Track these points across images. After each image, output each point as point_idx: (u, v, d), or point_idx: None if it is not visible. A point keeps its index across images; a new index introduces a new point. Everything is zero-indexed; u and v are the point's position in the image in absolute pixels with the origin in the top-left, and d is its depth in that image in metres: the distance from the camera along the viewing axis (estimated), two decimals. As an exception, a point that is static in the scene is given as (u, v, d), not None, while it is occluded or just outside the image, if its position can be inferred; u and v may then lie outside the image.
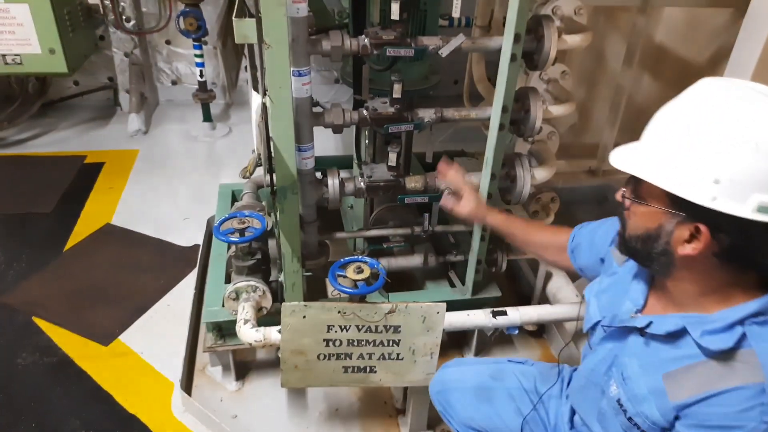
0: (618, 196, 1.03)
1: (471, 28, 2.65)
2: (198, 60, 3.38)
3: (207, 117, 3.61)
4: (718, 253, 0.89)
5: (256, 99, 1.69)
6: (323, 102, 1.71)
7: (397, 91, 1.62)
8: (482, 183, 1.79)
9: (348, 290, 1.54)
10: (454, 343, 2.20)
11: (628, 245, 1.03)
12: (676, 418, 0.95)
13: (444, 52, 1.56)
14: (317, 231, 1.84)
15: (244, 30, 1.48)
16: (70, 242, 2.64)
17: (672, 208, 0.90)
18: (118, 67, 3.65)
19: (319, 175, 1.77)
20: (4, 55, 2.99)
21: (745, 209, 0.83)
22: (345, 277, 1.56)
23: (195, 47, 3.33)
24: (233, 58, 3.10)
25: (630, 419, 1.02)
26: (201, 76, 3.42)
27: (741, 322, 0.90)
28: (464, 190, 1.60)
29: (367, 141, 1.98)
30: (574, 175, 2.59)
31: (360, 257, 1.60)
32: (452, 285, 2.11)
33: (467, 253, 1.98)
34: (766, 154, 0.81)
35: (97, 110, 3.80)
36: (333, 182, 1.72)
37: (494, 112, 1.67)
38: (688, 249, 0.90)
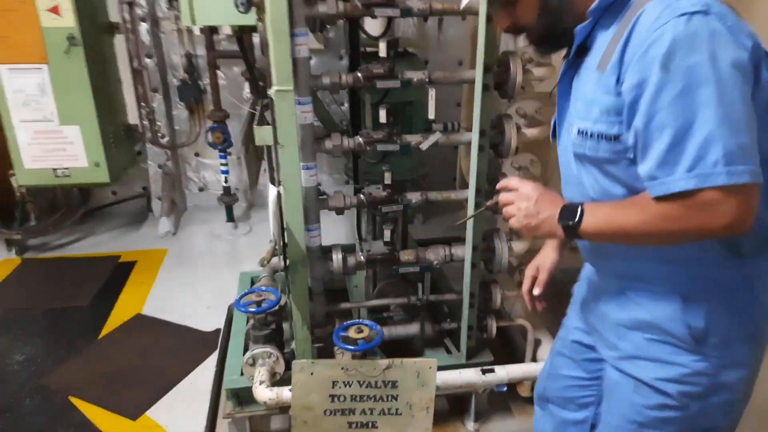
0: (501, 27, 1.17)
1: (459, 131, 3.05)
2: (223, 168, 3.83)
3: (230, 217, 3.99)
4: None
5: (272, 191, 2.03)
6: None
7: (387, 178, 1.95)
8: (466, 255, 2.07)
9: (350, 347, 1.77)
10: (455, 410, 2.35)
11: (544, 32, 1.12)
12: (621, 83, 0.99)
13: (424, 146, 1.92)
14: (324, 302, 2.10)
15: (263, 134, 1.85)
16: (105, 331, 2.90)
17: None
18: (152, 177, 4.11)
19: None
20: (55, 169, 3.45)
21: None
22: (348, 336, 1.80)
23: (221, 157, 3.80)
24: (254, 163, 3.52)
25: (593, 135, 1.06)
26: (225, 182, 3.86)
27: None
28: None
29: (366, 222, 2.29)
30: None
31: (360, 320, 1.86)
32: (448, 351, 2.31)
33: (461, 321, 2.21)
34: None
35: (131, 216, 4.22)
36: (337, 257, 2.01)
37: (470, 193, 1.99)
38: None
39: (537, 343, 2.37)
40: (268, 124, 1.94)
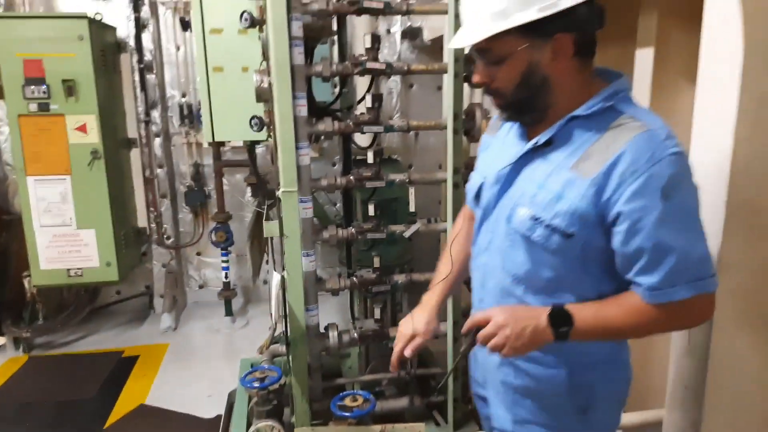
0: (476, 80, 1.20)
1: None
2: (224, 264, 4.13)
3: (229, 312, 4.22)
4: (576, 51, 1.11)
5: (276, 276, 2.32)
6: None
7: (376, 262, 2.26)
8: (448, 330, 2.33)
9: (346, 414, 1.98)
10: (446, 483, 2.48)
11: (515, 102, 1.18)
12: (601, 198, 1.09)
13: (406, 234, 2.25)
14: (321, 378, 2.31)
15: (271, 228, 2.18)
16: (110, 420, 3.03)
17: (529, 39, 1.08)
18: (156, 276, 4.38)
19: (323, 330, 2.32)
20: (68, 269, 3.72)
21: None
22: (344, 405, 2.02)
23: (223, 255, 4.11)
24: (258, 256, 3.83)
25: (548, 226, 1.14)
26: (226, 277, 4.14)
27: (606, 100, 1.13)
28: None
29: (358, 302, 2.56)
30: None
31: (355, 391, 2.08)
32: (437, 424, 2.49)
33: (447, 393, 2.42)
34: None
35: (134, 313, 4.43)
36: (333, 334, 2.26)
37: (448, 225, 2.29)
38: (558, 62, 1.11)
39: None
40: (275, 219, 2.27)
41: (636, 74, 2.17)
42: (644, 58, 2.11)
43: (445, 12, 2.07)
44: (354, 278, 2.27)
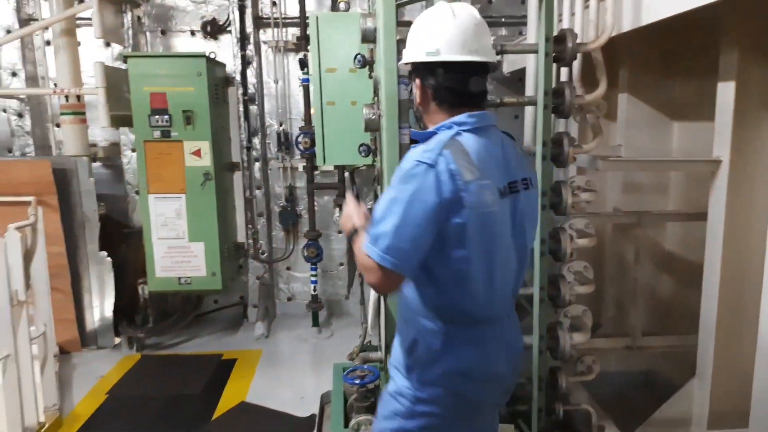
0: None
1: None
2: (313, 278, 4.47)
3: (315, 323, 4.54)
4: (432, 96, 1.55)
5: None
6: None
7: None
8: (534, 342, 2.50)
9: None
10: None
11: (416, 117, 1.67)
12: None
13: (496, 251, 2.45)
14: (415, 380, 2.53)
15: (374, 241, 2.45)
16: (216, 414, 3.38)
17: (412, 77, 1.59)
18: (250, 287, 4.78)
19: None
20: (179, 278, 4.16)
21: (420, 55, 1.52)
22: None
23: (312, 269, 4.45)
24: (353, 270, 4.12)
25: None
26: (314, 290, 4.47)
27: (443, 127, 1.52)
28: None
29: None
30: (613, 350, 3.19)
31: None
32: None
33: (531, 403, 2.57)
34: (423, 27, 1.54)
35: (229, 321, 4.84)
36: (427, 341, 2.48)
37: (535, 290, 2.47)
38: (420, 98, 1.58)
39: (600, 429, 2.67)
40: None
41: (718, 107, 2.30)
42: (726, 92, 2.25)
43: (535, 51, 2.30)
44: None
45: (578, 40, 2.37)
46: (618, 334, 3.33)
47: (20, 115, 4.62)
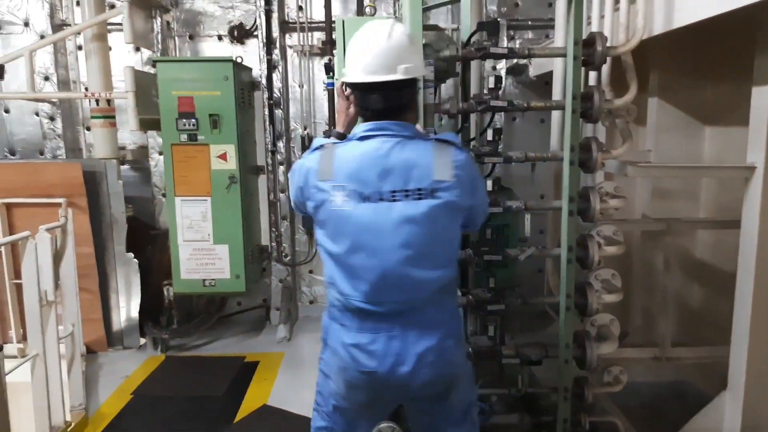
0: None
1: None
2: (335, 282, 4.46)
3: (337, 327, 4.53)
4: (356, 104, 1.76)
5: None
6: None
7: (491, 283, 2.44)
8: (560, 352, 2.46)
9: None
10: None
11: None
12: None
13: (521, 257, 2.42)
14: (437, 387, 2.51)
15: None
16: (238, 416, 3.39)
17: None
18: (273, 290, 4.80)
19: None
20: (204, 280, 4.20)
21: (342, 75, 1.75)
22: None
23: (334, 273, 4.44)
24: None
25: None
26: (336, 294, 4.46)
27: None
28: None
29: (471, 320, 2.74)
30: (641, 360, 3.12)
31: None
32: (544, 443, 2.59)
33: (556, 415, 2.52)
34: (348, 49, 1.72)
35: (252, 323, 4.87)
36: (450, 347, 2.45)
37: (561, 298, 2.43)
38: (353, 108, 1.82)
39: (628, 441, 2.60)
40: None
41: (753, 111, 2.24)
42: (761, 96, 2.18)
43: (564, 55, 2.26)
44: (470, 296, 2.47)
45: (608, 44, 2.32)
46: (646, 344, 3.25)
47: (52, 118, 4.73)
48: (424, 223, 1.62)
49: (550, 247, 3.46)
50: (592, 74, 2.77)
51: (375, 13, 3.65)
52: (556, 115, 3.18)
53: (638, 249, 3.48)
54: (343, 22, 2.91)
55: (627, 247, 2.68)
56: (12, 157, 4.85)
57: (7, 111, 4.83)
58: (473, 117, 3.32)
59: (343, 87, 1.82)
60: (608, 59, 2.44)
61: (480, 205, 1.79)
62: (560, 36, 3.03)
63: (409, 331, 1.67)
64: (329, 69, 4.12)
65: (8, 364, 2.56)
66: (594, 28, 2.75)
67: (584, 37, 2.28)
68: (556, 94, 3.19)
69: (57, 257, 3.14)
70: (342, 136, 1.81)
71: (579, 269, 2.52)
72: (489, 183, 2.40)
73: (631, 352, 3.10)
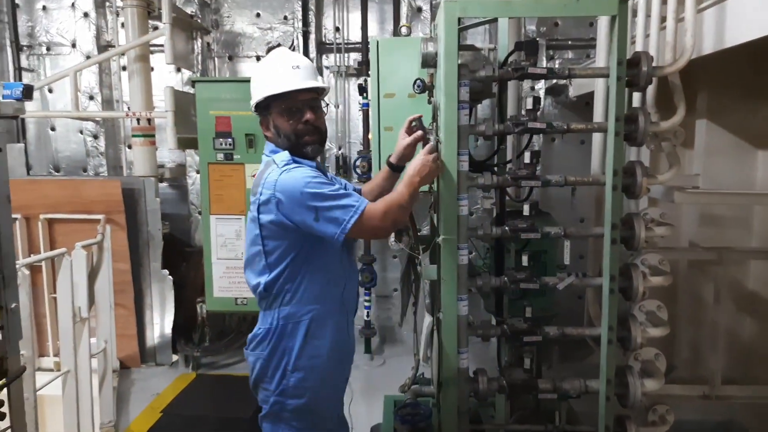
0: (309, 118, 1.98)
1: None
2: (366, 304, 4.40)
3: (367, 349, 4.45)
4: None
5: (427, 318, 2.49)
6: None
7: (528, 312, 2.33)
8: (600, 388, 2.31)
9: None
10: None
11: (323, 139, 2.09)
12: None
13: (560, 286, 2.30)
14: (468, 421, 2.39)
15: (430, 272, 2.36)
16: (265, 439, 3.33)
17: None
18: (304, 310, 4.76)
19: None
20: (236, 298, 4.20)
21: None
22: None
23: (365, 294, 4.38)
24: (406, 297, 4.04)
25: None
26: (367, 316, 4.39)
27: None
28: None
29: (505, 351, 2.62)
30: (689, 398, 2.92)
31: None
32: (583, 484, 2.43)
33: (594, 453, 2.37)
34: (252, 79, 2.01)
35: (283, 343, 4.83)
36: (483, 379, 2.34)
37: (603, 330, 2.29)
38: None
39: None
40: (432, 263, 2.45)
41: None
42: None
43: (606, 75, 2.16)
44: (505, 326, 2.36)
45: (653, 63, 2.21)
46: (694, 381, 3.05)
47: (95, 137, 4.87)
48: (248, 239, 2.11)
49: (591, 275, 3.32)
50: (636, 95, 2.65)
51: (410, 34, 3.63)
52: (597, 137, 3.06)
53: (685, 279, 3.30)
54: (378, 42, 2.89)
55: (673, 276, 2.52)
56: (56, 173, 5.01)
57: (53, 129, 5.01)
58: (510, 139, 3.24)
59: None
60: (654, 80, 2.33)
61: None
62: (602, 55, 2.93)
63: None
64: (363, 90, 4.10)
65: (40, 379, 2.59)
66: (638, 48, 2.64)
67: (628, 56, 2.18)
68: (598, 116, 3.07)
69: (93, 273, 3.19)
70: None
71: (622, 300, 2.38)
72: (526, 207, 2.29)
73: (678, 389, 2.91)
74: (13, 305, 1.34)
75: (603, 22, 2.94)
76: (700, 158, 3.12)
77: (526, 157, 2.28)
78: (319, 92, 2.05)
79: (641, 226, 2.25)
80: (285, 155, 1.94)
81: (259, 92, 1.98)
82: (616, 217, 2.20)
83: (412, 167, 1.99)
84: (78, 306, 2.86)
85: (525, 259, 2.33)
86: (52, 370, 3.72)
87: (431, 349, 2.57)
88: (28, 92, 1.35)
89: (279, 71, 1.95)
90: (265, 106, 1.98)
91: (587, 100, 4.13)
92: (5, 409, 1.34)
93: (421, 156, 2.00)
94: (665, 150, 2.43)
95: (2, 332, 1.33)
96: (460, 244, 2.25)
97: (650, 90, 2.46)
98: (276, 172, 1.86)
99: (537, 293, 2.39)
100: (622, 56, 2.07)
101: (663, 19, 2.44)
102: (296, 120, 1.96)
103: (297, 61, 1.97)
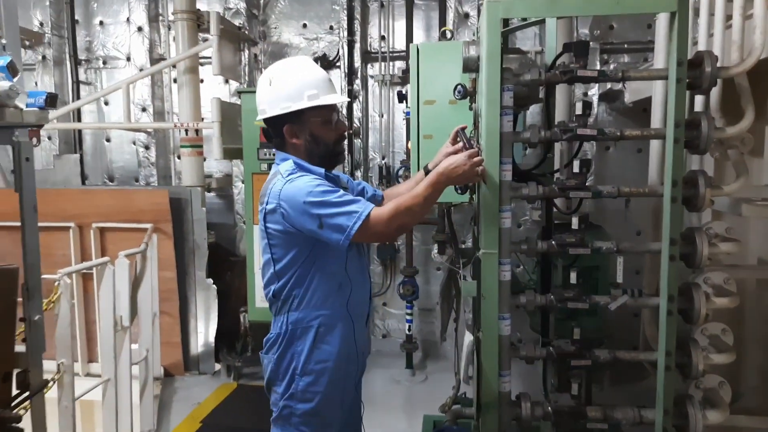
0: (345, 130, 2.03)
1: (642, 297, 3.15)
2: (408, 317, 4.28)
3: (409, 364, 4.33)
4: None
5: (468, 336, 2.36)
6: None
7: (576, 334, 2.16)
8: (656, 419, 2.11)
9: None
10: None
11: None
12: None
13: (612, 306, 2.12)
14: (511, 448, 2.24)
15: (469, 288, 2.23)
16: (302, 454, 3.26)
17: None
18: (346, 322, 4.69)
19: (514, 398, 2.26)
20: (277, 309, 4.17)
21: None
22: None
23: (407, 307, 4.27)
24: (446, 313, 3.91)
25: None
26: (409, 330, 4.28)
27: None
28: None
29: (551, 375, 2.45)
30: (757, 430, 2.64)
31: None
32: None
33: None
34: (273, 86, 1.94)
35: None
36: (526, 404, 2.19)
37: (660, 355, 2.09)
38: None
39: None
40: (473, 278, 2.32)
41: None
42: None
43: (665, 77, 1.99)
44: (551, 348, 2.20)
45: (718, 64, 2.02)
46: (763, 411, 2.77)
47: (147, 147, 5.00)
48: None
49: (648, 292, 3.09)
50: (699, 99, 2.44)
51: (452, 37, 3.52)
52: (655, 144, 2.85)
53: (753, 299, 3.01)
54: (418, 48, 2.79)
55: (740, 297, 2.29)
56: (110, 183, 5.17)
57: (108, 140, 5.18)
58: (559, 147, 3.06)
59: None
60: (718, 82, 2.13)
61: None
62: (661, 57, 2.73)
63: None
64: (403, 97, 4.01)
65: (80, 386, 2.61)
66: (701, 48, 2.44)
67: (689, 57, 1.99)
68: (656, 122, 2.87)
69: (136, 282, 3.22)
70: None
71: (682, 322, 2.17)
72: (575, 220, 2.13)
73: (745, 420, 2.64)
74: (37, 317, 1.32)
75: (662, 22, 2.74)
76: (771, 167, 2.85)
77: (575, 166, 2.12)
78: None
79: (704, 241, 2.04)
80: (289, 164, 1.94)
81: (295, 100, 1.92)
82: (676, 231, 2.01)
83: (443, 164, 1.90)
84: (120, 315, 2.89)
85: (573, 276, 2.16)
86: (99, 376, 3.79)
87: (473, 367, 2.43)
88: (51, 101, 1.34)
89: (318, 82, 1.96)
90: (296, 114, 1.93)
91: (644, 106, 3.89)
92: (27, 422, 1.32)
93: (460, 155, 1.90)
94: (731, 158, 2.22)
95: (25, 345, 1.30)
96: (503, 258, 2.11)
97: (714, 93, 2.25)
98: (281, 182, 1.89)
99: (587, 313, 2.22)
100: (683, 56, 1.89)
101: (729, 18, 2.24)
102: (336, 130, 2.02)
103: (325, 73, 2.03)
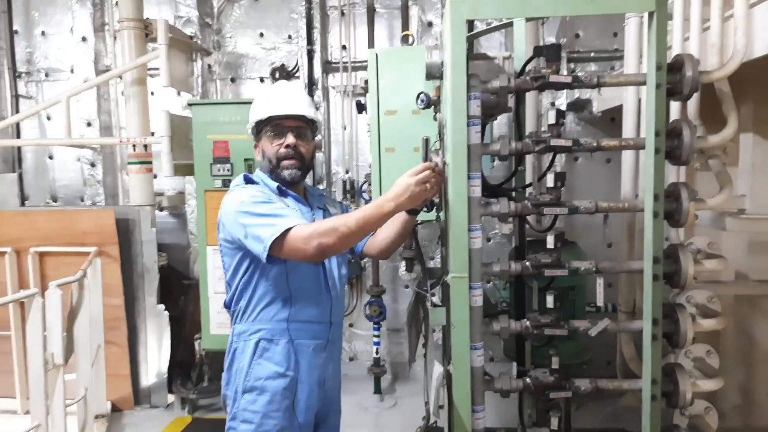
0: (291, 143, 1.92)
1: (617, 313, 3.01)
2: (375, 339, 4.05)
3: (377, 389, 4.09)
4: None
5: (437, 368, 2.14)
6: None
7: (555, 363, 1.97)
8: (644, 452, 1.94)
9: None
10: None
11: (306, 167, 1.99)
12: None
13: (592, 332, 1.94)
14: (488, 491, 2.03)
15: (437, 316, 2.02)
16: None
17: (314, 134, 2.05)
18: (310, 346, 4.43)
19: (489, 436, 2.06)
20: (235, 336, 3.89)
21: None
22: None
23: (374, 329, 4.04)
24: (414, 338, 3.70)
25: None
26: (376, 353, 4.05)
27: None
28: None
29: (528, 406, 2.26)
30: (749, 458, 2.51)
31: None
32: None
33: None
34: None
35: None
36: (503, 442, 1.99)
37: (644, 383, 1.92)
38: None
39: None
40: (441, 305, 2.12)
41: None
42: None
43: (644, 83, 1.84)
44: (528, 379, 2.00)
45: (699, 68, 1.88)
46: (746, 430, 2.65)
47: (93, 165, 4.67)
48: None
49: (623, 309, 2.94)
50: (674, 106, 2.32)
51: (413, 43, 3.34)
52: (628, 155, 2.73)
53: (733, 315, 2.90)
54: (376, 54, 2.61)
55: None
56: (54, 203, 4.81)
57: (51, 157, 4.82)
58: (530, 159, 2.91)
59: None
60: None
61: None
62: (632, 63, 2.61)
63: None
64: (361, 107, 3.80)
65: (18, 426, 2.30)
66: (675, 52, 2.31)
67: (668, 61, 1.85)
68: (628, 131, 2.75)
69: (72, 314, 2.91)
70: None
71: (665, 346, 2.01)
72: (550, 239, 1.96)
73: (734, 445, 2.51)
74: None
75: (632, 27, 2.63)
76: (747, 177, 2.75)
77: (549, 180, 1.95)
78: (309, 123, 2.03)
79: (689, 260, 1.89)
80: (239, 178, 2.01)
81: (251, 118, 2.03)
82: (658, 249, 1.84)
83: (392, 187, 1.74)
84: (51, 352, 2.58)
85: (550, 300, 1.98)
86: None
87: (443, 395, 2.21)
88: None
89: (270, 98, 1.99)
90: (257, 132, 2.02)
91: (613, 115, 3.80)
92: None
93: (404, 177, 1.74)
94: (714, 169, 2.08)
95: None
96: (473, 282, 1.92)
97: (692, 100, 2.12)
98: (227, 193, 1.96)
99: (566, 338, 2.04)
100: (662, 60, 1.75)
101: (704, 21, 2.12)
102: (279, 144, 1.97)
103: (291, 90, 2.04)
